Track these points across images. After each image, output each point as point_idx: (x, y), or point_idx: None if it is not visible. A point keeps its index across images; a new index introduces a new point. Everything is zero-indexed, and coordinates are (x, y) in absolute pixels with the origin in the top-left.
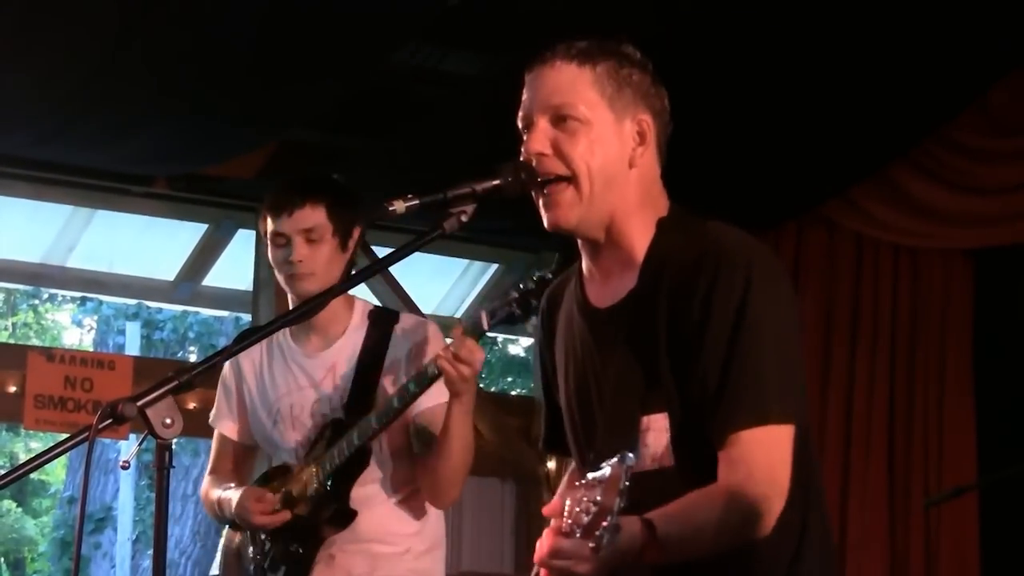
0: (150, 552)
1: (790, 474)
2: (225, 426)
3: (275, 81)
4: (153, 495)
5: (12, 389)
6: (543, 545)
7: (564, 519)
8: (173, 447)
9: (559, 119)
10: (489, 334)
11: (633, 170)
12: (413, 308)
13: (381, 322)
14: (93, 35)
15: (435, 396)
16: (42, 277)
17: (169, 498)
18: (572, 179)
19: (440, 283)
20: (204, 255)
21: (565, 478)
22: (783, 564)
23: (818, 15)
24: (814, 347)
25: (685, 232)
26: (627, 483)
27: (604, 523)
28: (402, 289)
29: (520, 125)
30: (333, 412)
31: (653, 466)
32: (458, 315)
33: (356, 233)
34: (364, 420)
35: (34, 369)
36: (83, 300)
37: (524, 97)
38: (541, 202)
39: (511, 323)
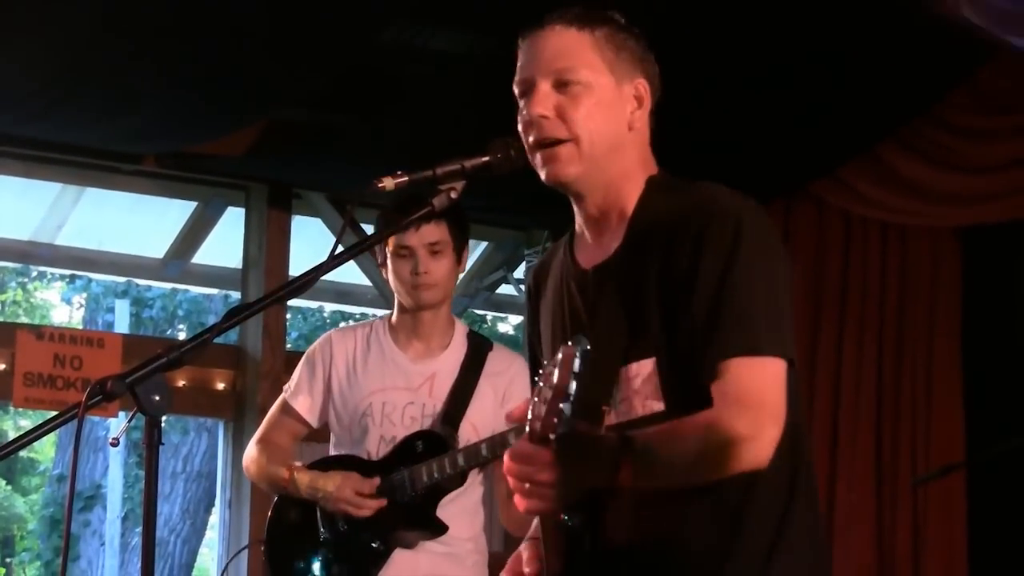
0: (139, 530)
1: (785, 405)
2: (301, 403)
3: (264, 59)
4: (142, 472)
5: (1, 367)
6: (507, 453)
7: (528, 420)
8: (162, 424)
9: (561, 83)
10: (478, 311)
11: (632, 132)
12: None
13: (478, 346)
14: (81, 13)
15: None
16: (31, 255)
17: (159, 476)
18: (574, 142)
19: None
20: (193, 233)
21: None
22: (773, 517)
23: None
24: (802, 325)
25: (674, 190)
26: (582, 365)
27: (561, 403)
28: None
29: (517, 91)
30: (424, 421)
31: (644, 412)
32: None
33: (467, 251)
34: (473, 446)
35: (23, 347)
36: (72, 278)
37: (521, 62)
38: (539, 158)
39: None
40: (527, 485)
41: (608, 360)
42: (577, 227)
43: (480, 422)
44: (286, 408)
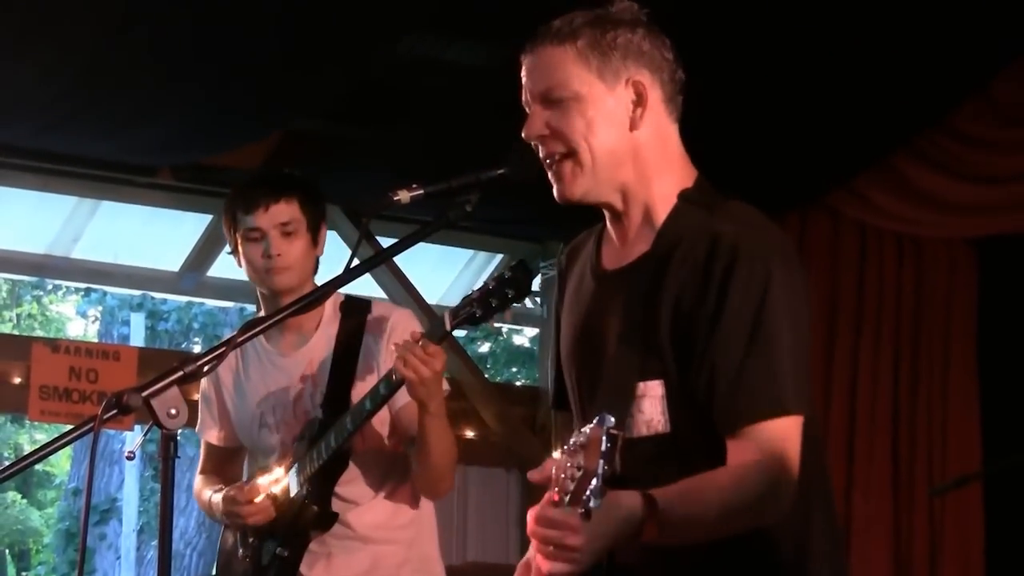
0: (155, 543)
1: (799, 459)
2: (210, 435)
3: (279, 72)
4: (158, 486)
5: (17, 380)
6: (532, 515)
7: (552, 488)
8: (178, 437)
9: (551, 101)
10: (496, 324)
11: (637, 132)
12: (418, 298)
13: (353, 313)
14: (98, 24)
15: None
16: (47, 268)
17: (174, 489)
18: (572, 155)
19: (445, 273)
20: (209, 245)
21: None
22: (788, 554)
23: (822, 2)
24: (818, 336)
25: (706, 208)
26: (609, 445)
27: (589, 487)
28: (407, 279)
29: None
30: (314, 410)
31: (648, 432)
32: None
33: (324, 230)
34: (339, 422)
35: (39, 360)
36: (87, 291)
37: (522, 84)
38: (551, 178)
39: (473, 324)
40: (551, 548)
41: (621, 375)
42: (607, 228)
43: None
44: (203, 445)
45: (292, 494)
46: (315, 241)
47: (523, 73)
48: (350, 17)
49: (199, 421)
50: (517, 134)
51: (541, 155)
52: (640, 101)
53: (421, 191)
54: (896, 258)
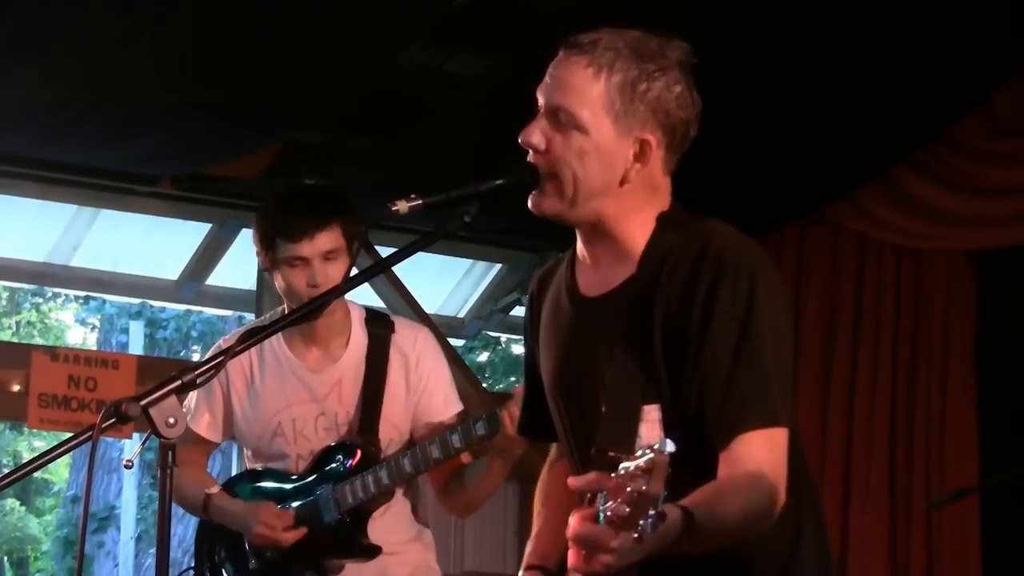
0: (153, 551)
1: (787, 474)
2: (200, 423)
3: (280, 81)
4: (155, 494)
5: (16, 388)
6: (577, 526)
7: (598, 509)
8: (176, 447)
9: (557, 120)
10: (492, 333)
11: (626, 186)
12: (416, 308)
13: (378, 332)
14: (98, 34)
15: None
16: (46, 276)
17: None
18: (555, 178)
19: (443, 283)
20: (208, 255)
21: (546, 467)
22: (776, 565)
23: (822, 16)
24: (816, 349)
25: (685, 228)
26: (670, 471)
27: (651, 511)
28: (405, 289)
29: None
30: (339, 429)
31: None
32: (461, 315)
33: (357, 242)
34: (396, 461)
35: (38, 368)
36: (86, 299)
37: (544, 79)
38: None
39: None
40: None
41: (627, 401)
42: (579, 249)
43: (398, 417)
44: (187, 434)
45: (327, 519)
46: (350, 253)
47: (549, 71)
48: (350, 28)
49: (192, 405)
50: (516, 145)
51: (529, 159)
52: (641, 158)
53: (420, 201)
54: (895, 270)
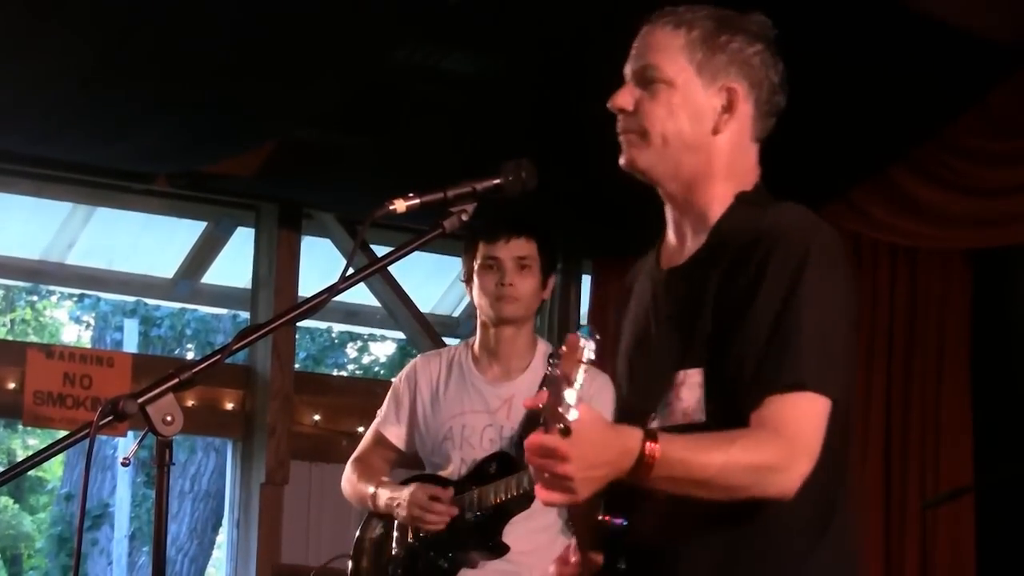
0: (147, 549)
1: (821, 442)
2: (391, 432)
3: (275, 79)
4: (150, 492)
5: (11, 386)
6: (526, 443)
7: (541, 410)
8: (172, 444)
9: (645, 80)
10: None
11: (718, 136)
12: (412, 307)
13: None
14: (93, 32)
15: None
16: (41, 274)
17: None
18: (645, 135)
19: (439, 282)
20: (203, 253)
21: None
22: (802, 545)
23: (819, 15)
24: None
25: (757, 206)
26: (591, 356)
27: (563, 396)
28: (401, 288)
29: None
30: (502, 443)
31: (684, 420)
32: (456, 314)
33: (553, 280)
34: None
35: (33, 366)
36: (81, 297)
37: (630, 52)
38: (622, 144)
39: None
40: (546, 475)
41: (663, 364)
42: (667, 229)
43: None
44: (378, 436)
45: (469, 515)
46: (544, 284)
47: (634, 42)
48: (345, 27)
49: (383, 411)
50: (513, 143)
51: (618, 127)
52: (729, 108)
53: (416, 200)
54: (890, 270)
